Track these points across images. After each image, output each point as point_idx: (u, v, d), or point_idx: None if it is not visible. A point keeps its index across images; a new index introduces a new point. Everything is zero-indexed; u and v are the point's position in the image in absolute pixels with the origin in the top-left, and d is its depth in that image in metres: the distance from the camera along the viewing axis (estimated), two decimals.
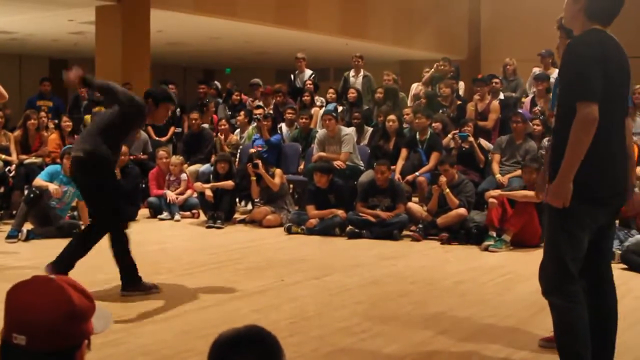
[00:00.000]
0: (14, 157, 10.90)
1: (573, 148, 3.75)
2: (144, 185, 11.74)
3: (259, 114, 12.44)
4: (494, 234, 8.87)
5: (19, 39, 20.07)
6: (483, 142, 11.04)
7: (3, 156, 10.78)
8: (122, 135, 6.52)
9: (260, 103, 13.91)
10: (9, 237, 8.93)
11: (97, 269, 6.86)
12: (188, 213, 11.08)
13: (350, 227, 9.64)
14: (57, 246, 8.76)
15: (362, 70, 14.56)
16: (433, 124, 11.30)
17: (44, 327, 1.87)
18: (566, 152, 3.77)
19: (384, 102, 13.02)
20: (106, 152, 6.23)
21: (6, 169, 10.64)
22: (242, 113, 13.34)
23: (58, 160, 10.38)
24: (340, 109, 13.24)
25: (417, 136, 11.08)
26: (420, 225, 9.54)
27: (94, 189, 6.40)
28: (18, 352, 1.88)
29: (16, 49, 22.20)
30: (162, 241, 9.43)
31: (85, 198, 6.87)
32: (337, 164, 10.79)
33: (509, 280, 7.28)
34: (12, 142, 11.06)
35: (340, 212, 9.78)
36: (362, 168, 11.09)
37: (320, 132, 11.51)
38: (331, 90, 14.13)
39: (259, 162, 10.49)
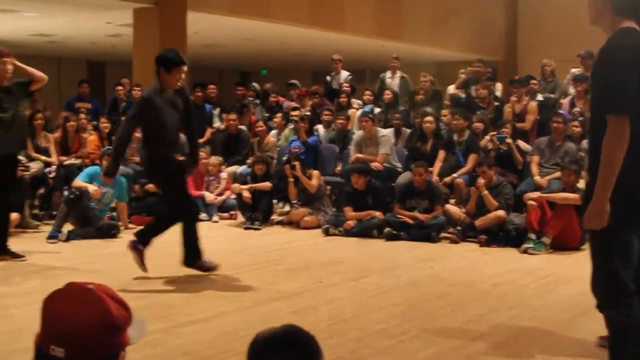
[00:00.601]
0: (53, 159, 11.01)
1: (606, 167, 3.58)
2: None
3: (296, 115, 12.46)
4: (533, 237, 8.79)
5: (58, 42, 20.28)
6: (521, 143, 10.96)
7: (43, 157, 10.90)
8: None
9: (297, 105, 13.93)
10: (49, 237, 9.03)
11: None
12: (226, 214, 11.13)
13: (388, 228, 9.61)
14: (96, 246, 8.91)
15: (398, 72, 14.54)
16: (475, 124, 11.25)
17: (83, 340, 1.85)
18: (600, 172, 3.60)
19: (428, 104, 12.98)
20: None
21: (46, 170, 10.75)
22: (279, 115, 13.37)
23: (97, 162, 10.47)
24: (377, 110, 13.22)
25: (455, 137, 11.03)
26: (459, 228, 9.48)
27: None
28: None
29: (55, 52, 22.43)
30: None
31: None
32: (375, 165, 10.77)
33: (549, 282, 7.21)
34: (52, 144, 11.17)
35: (377, 214, 9.76)
36: (399, 170, 11.06)
37: (358, 134, 11.50)
38: (368, 92, 14.11)
39: (297, 163, 10.51)
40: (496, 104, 12.89)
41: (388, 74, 14.67)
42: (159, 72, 6.89)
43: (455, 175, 10.54)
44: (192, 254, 7.08)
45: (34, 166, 10.45)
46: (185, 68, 7.03)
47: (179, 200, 7.12)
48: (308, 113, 13.22)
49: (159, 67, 6.89)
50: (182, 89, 7.10)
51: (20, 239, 9.03)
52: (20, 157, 9.56)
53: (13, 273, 7.30)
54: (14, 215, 8.92)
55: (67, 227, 9.29)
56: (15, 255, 7.89)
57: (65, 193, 9.81)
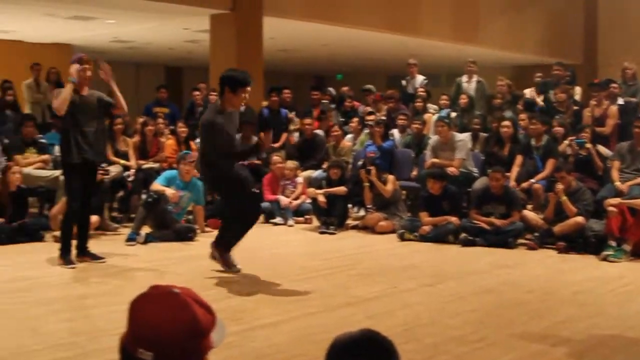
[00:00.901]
0: (132, 162, 11.18)
1: None
2: (257, 191, 11.86)
3: (371, 120, 12.43)
4: (614, 244, 8.58)
5: (136, 48, 20.63)
6: (601, 148, 10.74)
7: (122, 161, 11.08)
8: None
9: (373, 109, 13.90)
10: (128, 240, 9.18)
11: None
12: (301, 218, 11.15)
13: (463, 234, 9.51)
14: (173, 249, 9.03)
15: (475, 76, 14.40)
16: (555, 129, 11.06)
17: (171, 344, 1.87)
18: None
19: (506, 108, 12.83)
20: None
21: (125, 174, 10.93)
22: (355, 119, 13.35)
23: (175, 165, 10.61)
24: (453, 115, 13.12)
25: (533, 142, 10.87)
26: (536, 234, 9.33)
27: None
28: None
29: (133, 58, 22.83)
30: (275, 246, 9.53)
31: None
32: (451, 170, 10.68)
33: (630, 291, 7.04)
34: (131, 148, 11.36)
35: (453, 219, 9.67)
36: (475, 175, 10.95)
37: (434, 138, 11.43)
38: (444, 97, 14.02)
39: (372, 168, 10.48)
40: (575, 108, 12.67)
41: (464, 78, 14.55)
42: (224, 91, 6.90)
43: (533, 180, 10.38)
44: (226, 243, 7.45)
45: (114, 170, 10.63)
46: (249, 88, 7.04)
47: (247, 205, 7.37)
48: (384, 117, 13.19)
49: (224, 86, 6.90)
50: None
51: (100, 241, 9.21)
52: None
53: (92, 274, 7.44)
54: (94, 218, 9.09)
55: (145, 230, 9.43)
56: (95, 257, 8.03)
57: (144, 196, 9.96)
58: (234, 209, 7.44)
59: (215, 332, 1.98)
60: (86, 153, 7.63)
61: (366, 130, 12.68)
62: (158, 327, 1.88)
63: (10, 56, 19.22)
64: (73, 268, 7.68)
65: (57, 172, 9.69)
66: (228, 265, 7.44)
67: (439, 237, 9.63)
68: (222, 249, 7.44)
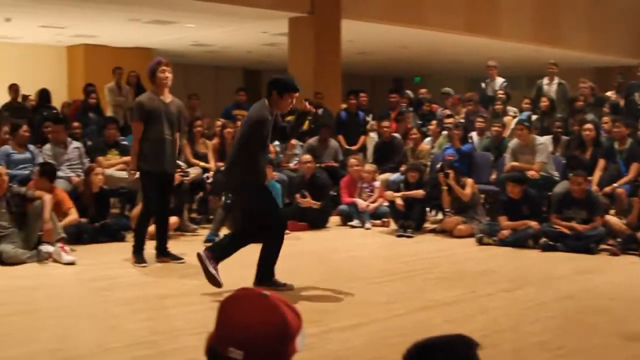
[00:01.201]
0: (211, 164, 11.30)
1: None
2: (334, 193, 11.90)
3: (450, 123, 12.34)
4: None
5: (216, 51, 20.90)
6: None
7: (201, 163, 11.21)
8: None
9: (451, 112, 13.80)
10: (207, 241, 9.26)
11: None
12: (378, 221, 11.11)
13: (544, 239, 9.34)
14: (251, 250, 9.05)
15: (556, 78, 14.17)
16: None
17: (261, 345, 1.89)
18: None
19: (589, 111, 12.60)
20: None
21: (204, 176, 11.05)
22: (433, 122, 13.27)
23: None
24: (533, 117, 12.93)
25: (616, 146, 10.63)
26: (619, 239, 9.11)
27: None
28: None
29: (213, 61, 23.13)
30: (352, 249, 9.52)
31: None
32: (531, 174, 10.52)
33: None
34: (210, 150, 11.48)
35: (533, 224, 9.50)
36: (556, 178, 10.76)
37: (514, 142, 11.27)
38: (526, 100, 13.84)
39: (450, 171, 10.38)
40: None
41: (545, 80, 14.33)
42: (271, 94, 6.74)
43: (616, 185, 10.14)
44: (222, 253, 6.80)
45: (193, 172, 10.76)
46: (297, 94, 6.84)
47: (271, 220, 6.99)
48: (462, 120, 13.08)
49: (272, 89, 6.74)
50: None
51: (179, 241, 9.32)
52: (180, 163, 9.89)
53: (171, 275, 7.54)
54: (173, 219, 9.20)
55: (224, 231, 9.51)
56: (175, 257, 8.14)
57: (223, 198, 10.05)
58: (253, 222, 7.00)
59: (299, 336, 1.99)
60: (163, 163, 7.70)
61: (445, 133, 12.58)
62: (249, 327, 1.91)
63: (94, 60, 19.67)
64: (144, 267, 7.80)
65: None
66: (211, 277, 6.51)
67: (518, 241, 9.48)
68: (215, 257, 6.65)
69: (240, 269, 6.81)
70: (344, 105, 14.31)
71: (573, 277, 7.76)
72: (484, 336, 5.34)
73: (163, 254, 8.11)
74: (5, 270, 7.64)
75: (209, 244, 8.76)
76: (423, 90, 16.26)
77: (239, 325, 1.92)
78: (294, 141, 12.22)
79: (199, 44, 19.60)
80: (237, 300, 1.98)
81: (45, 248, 8.11)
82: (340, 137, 13.29)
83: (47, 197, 8.35)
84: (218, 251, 6.63)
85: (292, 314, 1.97)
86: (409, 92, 16.90)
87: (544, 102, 13.24)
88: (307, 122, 13.53)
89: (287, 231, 10.07)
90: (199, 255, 6.49)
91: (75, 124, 11.91)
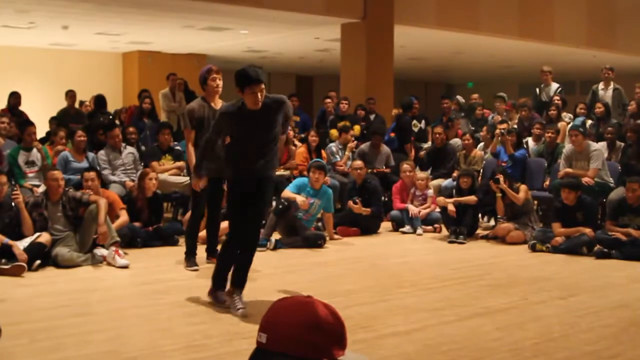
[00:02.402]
0: None
1: None
2: (386, 199, 11.89)
3: (503, 128, 12.25)
4: None
5: (269, 57, 21.03)
6: None
7: None
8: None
9: (504, 118, 13.70)
10: (258, 245, 9.30)
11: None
12: (430, 227, 11.06)
13: (598, 246, 9.22)
14: (302, 255, 9.12)
15: (612, 83, 13.99)
16: None
17: (285, 329, 1.93)
18: None
19: None
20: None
21: None
22: (485, 128, 13.19)
23: (305, 173, 10.71)
24: (588, 123, 12.77)
25: None
26: None
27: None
28: (259, 350, 1.97)
29: (266, 67, 23.24)
30: (404, 254, 9.51)
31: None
32: (585, 180, 10.40)
33: None
34: None
35: (587, 231, 9.38)
36: (611, 185, 10.62)
37: (568, 147, 11.15)
38: (582, 105, 13.68)
39: (500, 177, 10.29)
40: None
41: (601, 85, 14.16)
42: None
43: None
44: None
45: None
46: (259, 86, 6.08)
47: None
48: (515, 126, 12.98)
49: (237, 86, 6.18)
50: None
51: None
52: None
53: None
54: (225, 224, 9.26)
55: (275, 236, 9.56)
56: None
57: (274, 203, 10.11)
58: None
59: (349, 352, 2.00)
60: (214, 170, 7.73)
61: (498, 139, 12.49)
62: (276, 313, 1.97)
63: (148, 66, 19.92)
64: (196, 270, 7.87)
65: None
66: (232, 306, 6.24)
67: (571, 248, 9.36)
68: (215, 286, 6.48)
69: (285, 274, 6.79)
70: (395, 111, 14.29)
71: (628, 285, 7.64)
72: (536, 344, 5.31)
73: (213, 256, 8.20)
74: (61, 273, 7.77)
75: (261, 249, 8.86)
76: (475, 96, 16.16)
77: (271, 313, 1.99)
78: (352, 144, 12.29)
79: (252, 50, 19.74)
80: (283, 299, 2.03)
81: (100, 251, 8.25)
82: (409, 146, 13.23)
83: (102, 201, 8.48)
84: (215, 279, 6.50)
85: (327, 311, 1.98)
86: (459, 97, 16.80)
87: (599, 108, 13.08)
88: (359, 127, 13.60)
89: (338, 237, 10.24)
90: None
91: (131, 129, 12.06)
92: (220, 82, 7.90)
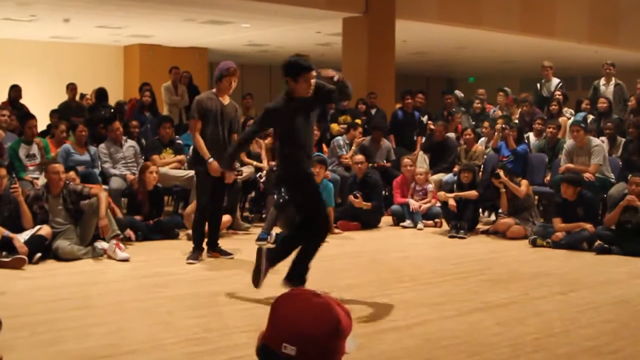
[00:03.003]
0: (264, 164, 11.35)
1: None
2: (387, 193, 11.88)
3: (504, 123, 12.23)
4: None
5: (270, 51, 21.00)
6: None
7: (255, 162, 11.26)
8: None
9: (505, 112, 13.69)
10: (259, 239, 9.30)
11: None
12: (430, 222, 11.06)
13: (599, 241, 9.22)
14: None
15: (613, 79, 13.97)
16: None
17: (314, 341, 1.92)
18: None
19: None
20: None
21: (257, 175, 11.10)
22: (486, 123, 13.18)
23: None
24: (590, 118, 12.76)
25: None
26: None
27: None
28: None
29: (267, 61, 23.24)
30: (404, 249, 9.51)
31: None
32: (586, 175, 10.39)
33: None
34: (263, 150, 11.53)
35: (588, 226, 9.37)
36: (612, 181, 10.61)
37: (569, 143, 11.14)
38: (586, 101, 13.67)
39: (500, 171, 10.28)
40: None
41: (602, 81, 14.14)
42: (287, 82, 6.40)
43: None
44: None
45: (246, 171, 10.80)
46: (313, 73, 6.40)
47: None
48: (516, 121, 12.97)
49: (286, 77, 6.39)
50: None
51: (231, 239, 9.41)
52: None
53: (223, 273, 7.56)
54: (226, 217, 9.28)
55: (276, 230, 9.55)
56: (224, 253, 8.26)
57: (275, 197, 10.10)
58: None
59: (350, 338, 2.01)
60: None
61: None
62: (303, 324, 1.94)
63: (149, 60, 19.90)
64: (193, 264, 7.91)
65: (192, 173, 9.93)
66: (257, 274, 6.28)
67: (572, 244, 9.36)
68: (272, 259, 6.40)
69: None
70: (398, 105, 14.28)
71: (629, 281, 7.64)
72: (537, 339, 5.30)
73: (214, 249, 8.23)
74: (61, 266, 7.78)
75: (262, 243, 8.87)
76: (481, 91, 16.11)
77: (293, 321, 1.95)
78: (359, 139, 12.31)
79: (253, 43, 19.72)
80: (290, 298, 2.01)
81: (100, 245, 8.25)
82: (392, 137, 13.26)
83: (103, 195, 8.48)
84: (275, 255, 6.44)
85: (344, 313, 1.99)
86: (457, 92, 16.77)
87: (602, 104, 13.07)
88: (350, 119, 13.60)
89: (339, 231, 10.23)
90: (259, 250, 6.35)
91: (134, 122, 12.06)
92: (234, 85, 7.96)
